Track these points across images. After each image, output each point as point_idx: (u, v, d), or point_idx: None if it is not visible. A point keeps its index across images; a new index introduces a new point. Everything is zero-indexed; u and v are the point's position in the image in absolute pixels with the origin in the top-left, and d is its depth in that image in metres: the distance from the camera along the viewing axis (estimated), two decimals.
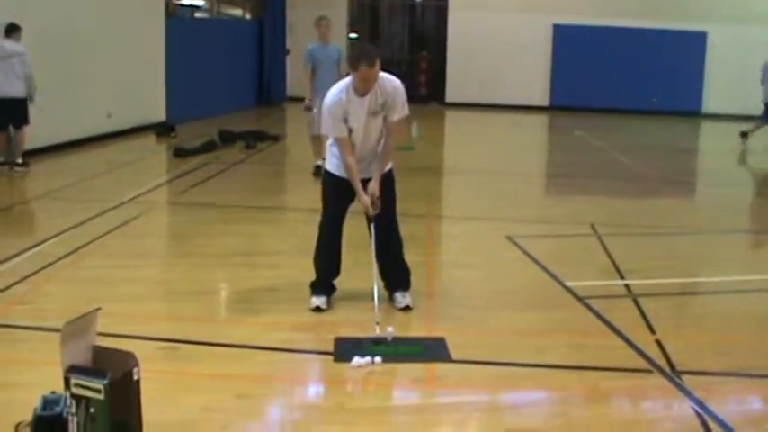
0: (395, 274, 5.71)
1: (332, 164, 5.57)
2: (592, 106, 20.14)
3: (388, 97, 5.34)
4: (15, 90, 10.69)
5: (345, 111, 5.31)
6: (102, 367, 3.39)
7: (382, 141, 5.50)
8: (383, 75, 5.33)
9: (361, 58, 5.15)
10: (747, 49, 19.87)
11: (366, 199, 5.41)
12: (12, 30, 10.65)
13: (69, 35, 11.92)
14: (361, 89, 5.26)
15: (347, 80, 5.35)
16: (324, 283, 5.66)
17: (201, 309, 5.73)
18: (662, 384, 4.52)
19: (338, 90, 5.35)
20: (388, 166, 5.60)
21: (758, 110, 15.50)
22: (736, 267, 7.11)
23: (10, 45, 10.59)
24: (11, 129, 10.91)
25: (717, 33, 20.04)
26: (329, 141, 5.58)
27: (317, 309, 5.52)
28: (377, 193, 5.43)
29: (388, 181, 5.57)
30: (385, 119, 5.41)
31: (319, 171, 9.45)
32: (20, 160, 10.90)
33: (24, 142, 10.95)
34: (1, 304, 5.62)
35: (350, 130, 5.35)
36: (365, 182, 5.46)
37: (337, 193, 5.58)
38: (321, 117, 5.54)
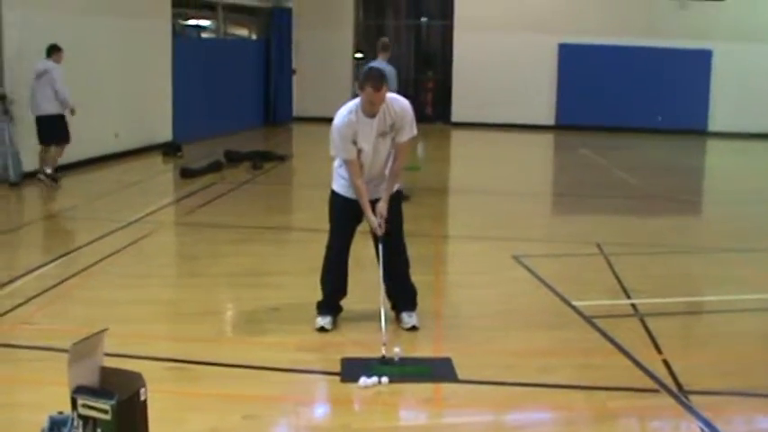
0: (401, 295, 5.71)
1: (339, 184, 5.58)
2: (597, 125, 20.15)
3: (397, 118, 5.36)
4: (47, 108, 10.99)
5: (355, 132, 5.32)
6: (109, 388, 3.39)
7: (390, 162, 5.51)
8: (391, 95, 5.36)
9: (367, 80, 5.18)
10: (752, 67, 19.89)
11: (374, 220, 5.42)
12: (50, 50, 11.00)
13: (76, 55, 11.95)
14: (369, 110, 5.29)
15: (357, 101, 5.37)
16: (330, 304, 5.65)
17: (208, 329, 5.74)
18: (669, 404, 4.50)
19: (348, 111, 5.37)
20: (396, 187, 5.61)
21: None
22: (742, 286, 7.09)
23: (42, 64, 10.93)
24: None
25: (721, 52, 20.05)
26: (336, 162, 5.59)
27: (322, 329, 5.51)
28: (385, 213, 5.44)
29: (394, 202, 5.58)
30: (393, 140, 5.42)
31: None
32: (48, 170, 11.19)
33: (57, 157, 11.32)
34: (8, 325, 5.63)
35: (359, 151, 5.37)
36: (373, 202, 5.47)
37: (345, 214, 5.59)
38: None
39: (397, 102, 5.40)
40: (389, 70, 10.48)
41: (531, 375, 4.91)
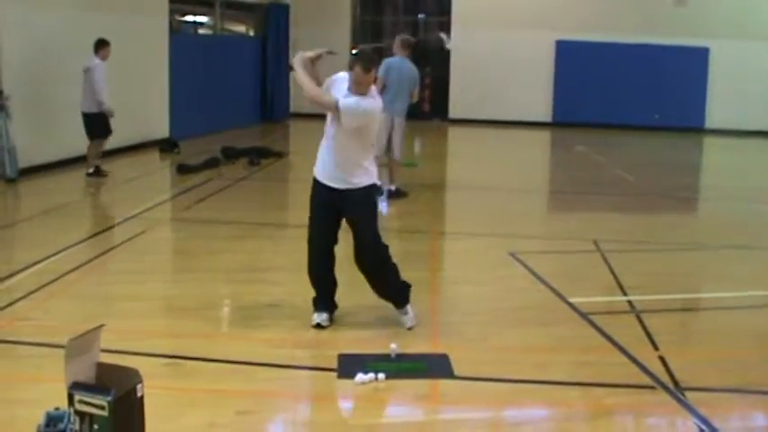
0: (383, 291, 5.61)
1: (317, 167, 5.56)
2: (594, 122, 20.17)
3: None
4: (87, 105, 11.13)
5: (337, 88, 5.40)
6: (105, 384, 3.40)
7: (354, 160, 5.44)
8: (374, 93, 5.43)
9: (358, 59, 5.27)
10: (749, 64, 19.90)
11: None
12: (97, 46, 11.12)
13: (73, 51, 11.95)
14: (355, 90, 5.32)
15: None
16: (323, 298, 5.62)
17: (204, 325, 5.73)
18: (665, 401, 4.52)
19: (346, 75, 5.41)
20: (360, 183, 5.47)
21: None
22: (738, 283, 7.09)
23: (89, 61, 11.06)
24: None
25: (719, 49, 20.07)
26: (323, 142, 5.58)
27: (318, 326, 5.50)
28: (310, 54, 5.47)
29: (365, 199, 5.51)
30: (350, 133, 5.38)
31: (395, 194, 9.65)
32: (91, 170, 11.41)
33: (99, 150, 11.50)
34: (4, 320, 5.63)
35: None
36: (331, 191, 5.44)
37: (322, 202, 5.52)
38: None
39: (371, 97, 5.40)
40: (413, 72, 10.35)
41: (527, 372, 4.92)
